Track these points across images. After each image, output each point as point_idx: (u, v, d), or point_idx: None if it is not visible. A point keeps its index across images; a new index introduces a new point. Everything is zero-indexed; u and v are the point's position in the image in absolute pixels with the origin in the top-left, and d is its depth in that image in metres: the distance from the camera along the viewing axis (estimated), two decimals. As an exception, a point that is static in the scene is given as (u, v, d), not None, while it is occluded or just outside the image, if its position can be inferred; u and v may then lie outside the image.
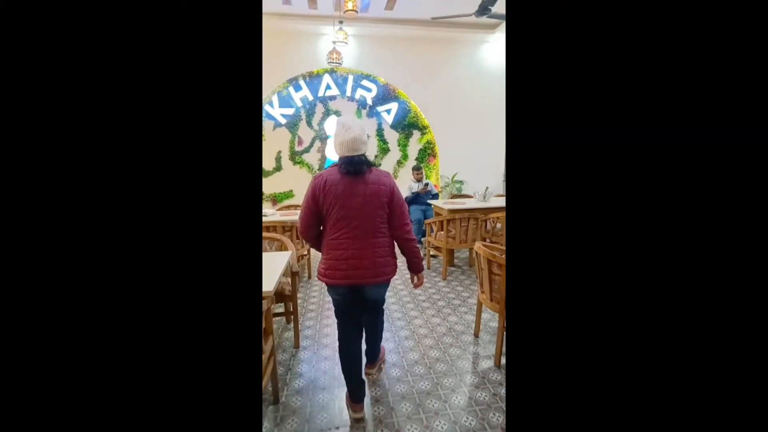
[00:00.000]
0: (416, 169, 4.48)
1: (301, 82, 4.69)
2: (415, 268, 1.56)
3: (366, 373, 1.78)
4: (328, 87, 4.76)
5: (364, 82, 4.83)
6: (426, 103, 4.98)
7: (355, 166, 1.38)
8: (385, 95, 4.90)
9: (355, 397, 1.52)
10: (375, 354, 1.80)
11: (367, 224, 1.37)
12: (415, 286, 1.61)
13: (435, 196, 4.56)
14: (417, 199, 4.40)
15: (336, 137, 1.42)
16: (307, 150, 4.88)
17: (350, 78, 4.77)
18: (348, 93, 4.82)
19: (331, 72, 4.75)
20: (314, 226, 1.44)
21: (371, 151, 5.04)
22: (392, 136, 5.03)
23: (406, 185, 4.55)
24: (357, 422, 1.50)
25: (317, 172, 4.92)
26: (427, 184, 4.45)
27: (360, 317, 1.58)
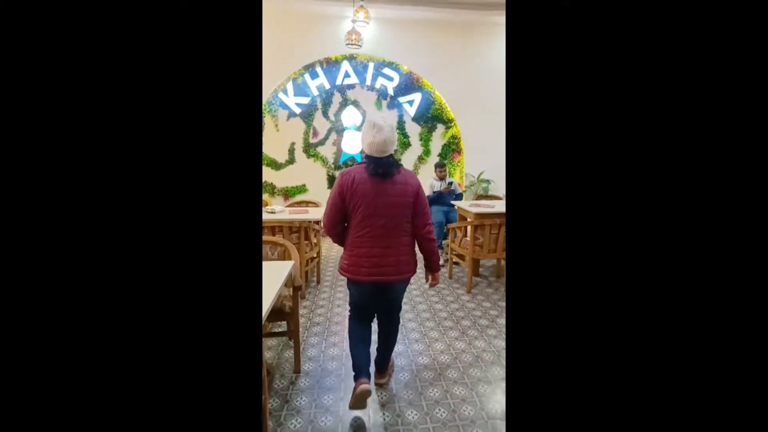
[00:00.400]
0: (439, 166, 4.12)
1: (318, 69, 4.37)
2: (433, 267, 1.57)
3: (376, 383, 1.70)
4: (346, 75, 4.43)
5: (386, 70, 4.46)
6: (452, 94, 4.57)
7: (384, 167, 1.39)
8: (408, 85, 4.53)
9: (361, 373, 1.50)
10: (386, 361, 1.71)
11: (392, 223, 1.40)
12: (431, 286, 1.62)
13: (459, 197, 4.18)
14: (439, 199, 4.04)
15: (365, 137, 1.41)
16: (322, 142, 4.58)
17: (370, 65, 4.42)
18: (368, 82, 4.47)
19: (351, 59, 4.40)
20: (340, 222, 1.46)
21: (390, 145, 4.69)
22: (414, 130, 4.66)
23: (427, 183, 4.18)
24: (362, 395, 1.43)
25: (332, 166, 4.62)
26: (450, 183, 4.07)
27: (372, 319, 1.61)
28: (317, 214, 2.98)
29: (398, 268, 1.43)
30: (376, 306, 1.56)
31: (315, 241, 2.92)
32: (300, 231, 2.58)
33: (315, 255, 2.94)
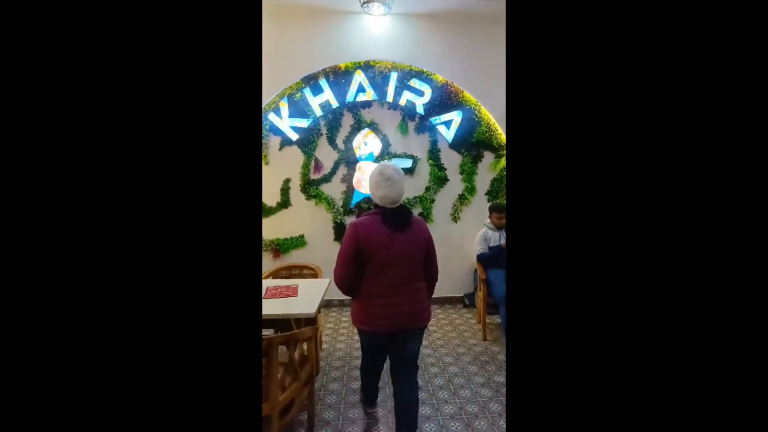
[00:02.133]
0: (497, 210, 2.80)
1: (323, 82, 3.26)
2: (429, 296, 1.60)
3: None
4: (360, 89, 3.29)
5: (413, 83, 3.31)
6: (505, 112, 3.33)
7: (399, 218, 1.42)
8: (444, 100, 3.33)
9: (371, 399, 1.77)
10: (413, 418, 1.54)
11: (407, 272, 1.42)
12: None
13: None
14: (503, 258, 2.67)
15: (376, 189, 1.43)
16: (327, 179, 3.37)
17: (393, 76, 3.28)
18: (389, 98, 3.31)
19: (366, 67, 3.28)
20: (353, 274, 1.42)
21: (421, 180, 3.42)
22: (452, 160, 3.40)
23: (479, 234, 2.84)
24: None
25: (340, 210, 3.36)
26: (518, 237, 2.67)
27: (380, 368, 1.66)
28: (313, 295, 1.83)
29: (414, 316, 1.44)
30: (392, 360, 1.51)
31: (304, 360, 1.56)
32: (271, 349, 1.27)
33: (301, 394, 1.57)
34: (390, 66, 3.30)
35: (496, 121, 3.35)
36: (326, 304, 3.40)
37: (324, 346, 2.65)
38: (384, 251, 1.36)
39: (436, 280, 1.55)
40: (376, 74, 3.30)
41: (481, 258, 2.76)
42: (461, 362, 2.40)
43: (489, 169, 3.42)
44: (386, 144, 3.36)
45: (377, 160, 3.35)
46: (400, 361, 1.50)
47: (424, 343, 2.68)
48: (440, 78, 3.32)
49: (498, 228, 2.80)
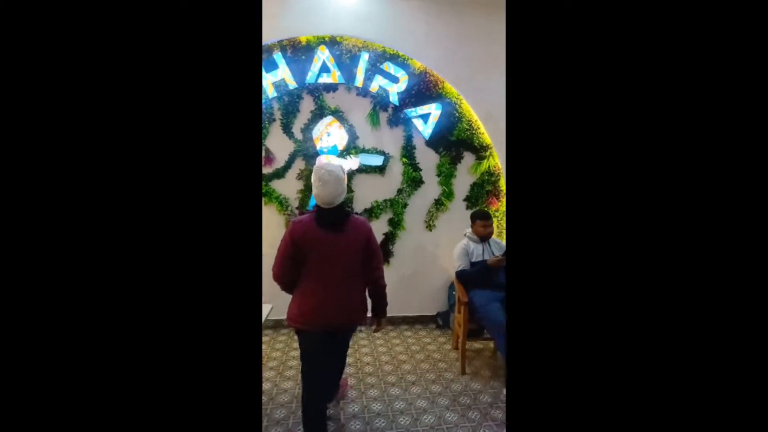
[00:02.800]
0: (482, 217, 2.42)
1: (277, 57, 2.68)
2: (381, 312, 1.61)
3: None
4: (324, 69, 2.76)
5: (387, 66, 2.83)
6: (491, 108, 2.95)
7: (333, 219, 1.42)
8: (422, 90, 2.89)
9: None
10: (335, 390, 1.76)
11: (341, 272, 1.42)
12: (375, 331, 1.68)
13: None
14: (487, 276, 2.29)
15: (313, 187, 1.43)
16: (279, 174, 2.79)
17: (364, 57, 2.78)
18: (359, 81, 2.80)
19: (332, 42, 2.75)
20: (288, 271, 1.45)
21: (393, 181, 2.94)
22: (429, 159, 2.97)
23: (458, 246, 2.43)
24: None
25: (295, 212, 2.79)
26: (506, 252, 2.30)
27: (324, 368, 1.54)
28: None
29: (349, 316, 1.46)
30: (325, 356, 1.48)
31: None
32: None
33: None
34: (360, 45, 2.79)
35: (479, 119, 2.96)
36: (274, 325, 2.81)
37: (266, 385, 2.08)
38: (318, 251, 1.39)
39: (380, 279, 1.54)
40: (344, 52, 2.78)
41: (462, 275, 2.33)
42: (437, 407, 1.95)
43: (469, 172, 3.02)
44: (353, 136, 2.85)
45: (342, 154, 2.83)
46: (332, 353, 1.52)
47: (392, 380, 2.20)
48: (418, 64, 2.87)
49: (482, 239, 2.40)
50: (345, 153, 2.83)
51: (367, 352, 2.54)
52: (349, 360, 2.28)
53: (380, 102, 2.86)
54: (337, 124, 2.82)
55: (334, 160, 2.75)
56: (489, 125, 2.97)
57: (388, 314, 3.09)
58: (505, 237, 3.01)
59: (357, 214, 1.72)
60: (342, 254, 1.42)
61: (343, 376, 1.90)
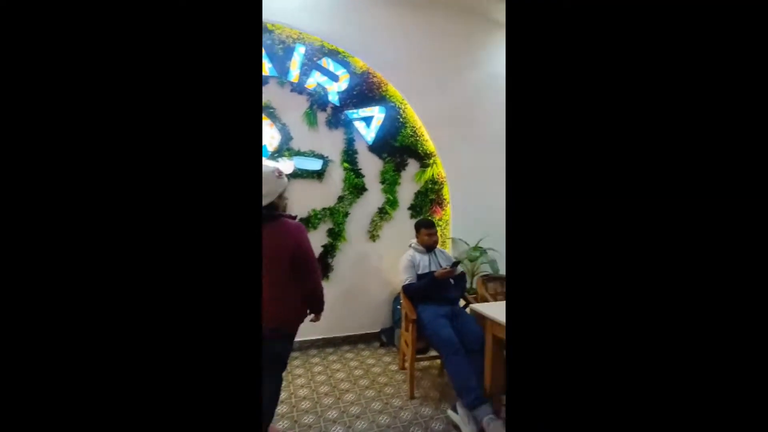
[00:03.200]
0: (426, 226, 2.29)
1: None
2: (316, 311, 1.56)
3: None
4: (253, 59, 2.42)
5: (326, 62, 2.59)
6: (436, 115, 2.87)
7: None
8: (364, 91, 2.70)
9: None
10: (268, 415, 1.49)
11: (270, 277, 1.31)
12: (313, 320, 1.60)
13: (464, 287, 2.31)
14: (437, 290, 2.16)
15: None
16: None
17: (299, 50, 2.51)
18: (293, 77, 2.52)
19: (263, 30, 2.43)
20: None
21: (333, 187, 2.68)
22: (371, 165, 2.77)
23: (404, 258, 2.26)
24: None
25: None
26: (457, 263, 2.20)
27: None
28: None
29: (271, 322, 1.33)
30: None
31: None
32: None
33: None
34: (295, 36, 2.52)
35: (424, 125, 2.87)
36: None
37: None
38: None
39: (315, 293, 1.46)
40: (276, 43, 2.47)
41: (409, 290, 2.15)
42: (386, 444, 1.71)
43: (413, 179, 2.90)
44: (287, 136, 2.53)
45: (273, 156, 2.49)
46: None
47: (333, 415, 1.91)
48: (360, 63, 2.68)
49: (428, 249, 2.25)
50: (277, 155, 2.50)
51: (303, 384, 2.21)
52: (282, 395, 1.93)
53: (318, 101, 2.61)
54: (268, 121, 2.48)
55: (265, 163, 2.40)
56: (432, 131, 2.89)
57: (328, 335, 2.76)
58: (449, 246, 2.93)
59: (292, 217, 1.43)
60: (266, 260, 1.29)
61: (272, 423, 1.57)
